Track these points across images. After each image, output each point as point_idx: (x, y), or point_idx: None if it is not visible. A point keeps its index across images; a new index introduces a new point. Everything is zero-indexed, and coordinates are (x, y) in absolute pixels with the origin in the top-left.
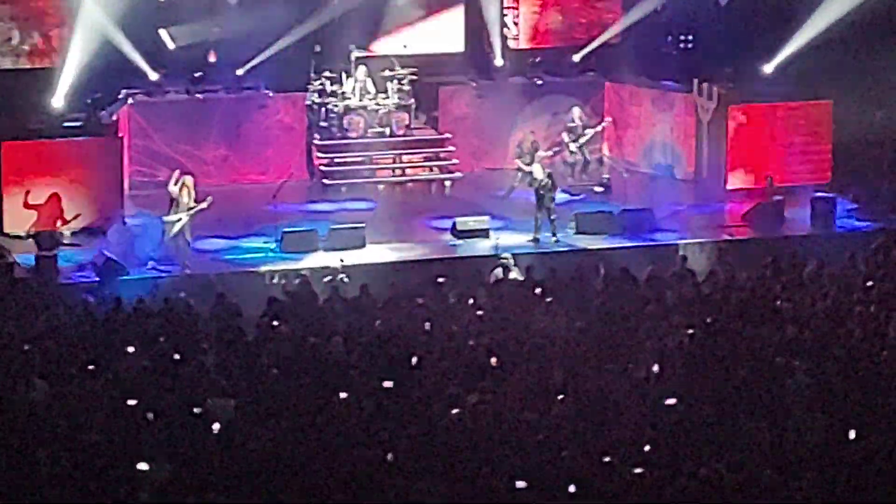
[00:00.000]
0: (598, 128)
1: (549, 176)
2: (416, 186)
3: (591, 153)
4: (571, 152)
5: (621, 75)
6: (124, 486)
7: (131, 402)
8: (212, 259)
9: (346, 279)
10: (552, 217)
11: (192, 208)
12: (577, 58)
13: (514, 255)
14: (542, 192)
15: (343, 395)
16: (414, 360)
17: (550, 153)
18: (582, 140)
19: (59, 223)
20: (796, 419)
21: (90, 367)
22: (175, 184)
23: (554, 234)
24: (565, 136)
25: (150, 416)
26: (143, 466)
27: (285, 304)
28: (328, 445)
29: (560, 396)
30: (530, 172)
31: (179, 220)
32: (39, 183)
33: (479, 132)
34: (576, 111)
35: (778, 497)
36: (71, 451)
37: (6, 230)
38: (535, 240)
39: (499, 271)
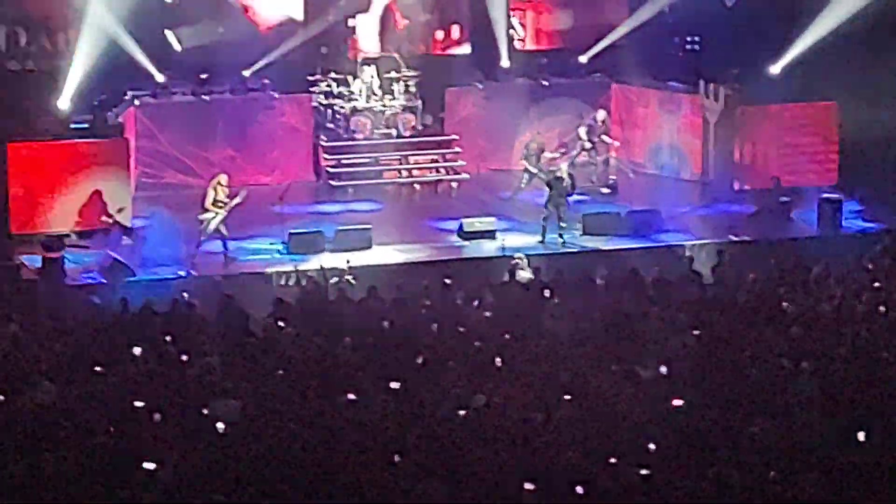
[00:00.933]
0: (610, 142)
1: (571, 177)
2: (423, 188)
3: (598, 154)
4: (584, 149)
5: (628, 77)
6: (131, 488)
7: (138, 404)
8: (218, 260)
9: (352, 280)
10: (562, 218)
11: (225, 204)
12: (583, 59)
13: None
14: (561, 191)
15: (350, 396)
16: (420, 361)
17: (556, 155)
18: (596, 141)
19: (103, 218)
20: (802, 421)
21: (97, 368)
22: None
23: (561, 236)
24: (582, 131)
25: (157, 417)
26: (149, 467)
27: (292, 305)
28: (335, 447)
29: (566, 397)
30: (552, 172)
31: (215, 216)
32: (73, 182)
33: (486, 133)
34: (601, 113)
35: (784, 498)
36: (78, 453)
37: (54, 228)
38: (542, 241)
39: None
